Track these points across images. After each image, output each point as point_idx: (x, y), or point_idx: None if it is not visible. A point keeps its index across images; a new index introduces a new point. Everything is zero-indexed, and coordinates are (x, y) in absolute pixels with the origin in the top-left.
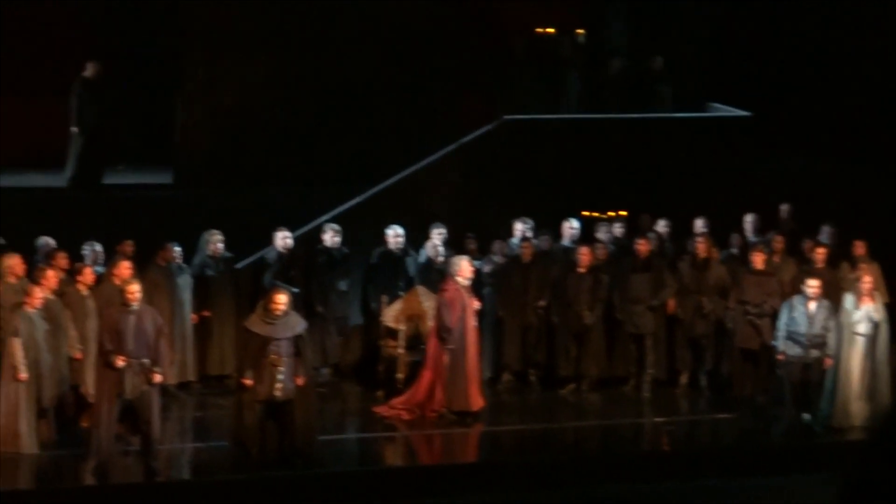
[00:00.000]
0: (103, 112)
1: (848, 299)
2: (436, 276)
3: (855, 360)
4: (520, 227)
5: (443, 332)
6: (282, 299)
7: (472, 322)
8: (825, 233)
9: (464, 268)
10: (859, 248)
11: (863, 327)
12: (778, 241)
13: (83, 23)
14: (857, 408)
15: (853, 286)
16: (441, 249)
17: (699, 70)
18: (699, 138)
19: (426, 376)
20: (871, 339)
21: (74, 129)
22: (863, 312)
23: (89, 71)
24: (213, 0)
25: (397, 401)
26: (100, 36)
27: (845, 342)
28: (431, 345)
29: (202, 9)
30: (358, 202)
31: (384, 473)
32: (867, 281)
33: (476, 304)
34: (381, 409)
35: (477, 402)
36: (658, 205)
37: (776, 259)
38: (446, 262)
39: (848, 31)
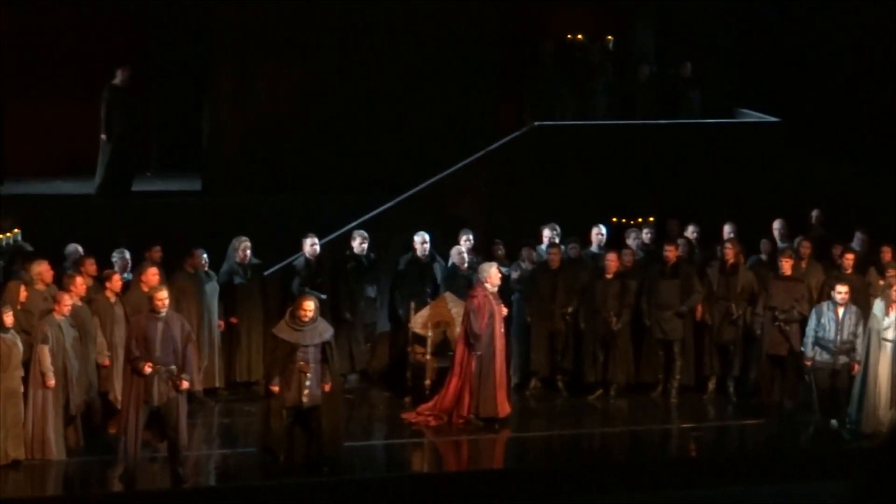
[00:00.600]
0: (132, 119)
1: (878, 305)
2: (461, 282)
3: (883, 366)
4: (548, 234)
5: (471, 338)
6: (310, 306)
7: (499, 328)
8: (858, 239)
9: (493, 275)
10: (887, 253)
11: (892, 333)
12: (805, 247)
13: (112, 30)
14: (885, 414)
15: (884, 292)
16: (466, 256)
17: (728, 76)
18: (728, 144)
19: (453, 383)
20: None
21: (103, 137)
22: (892, 318)
23: (118, 78)
24: (242, 7)
25: (424, 407)
26: (129, 43)
27: (874, 348)
28: (459, 351)
29: (231, 15)
30: (387, 209)
31: (411, 480)
32: None
33: (504, 311)
34: (409, 416)
35: (504, 408)
36: (687, 211)
37: (803, 265)
38: (475, 269)
39: (877, 38)
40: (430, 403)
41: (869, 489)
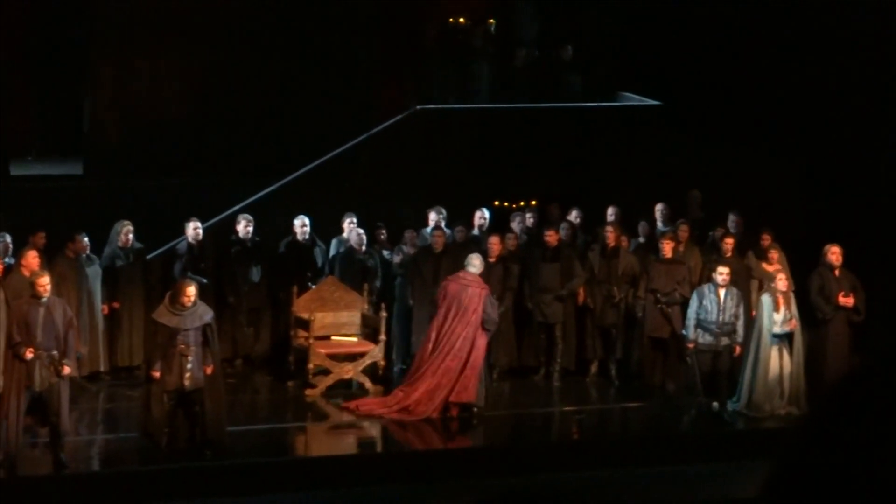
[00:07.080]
0: (11, 103)
1: (765, 300)
2: (357, 266)
3: (774, 361)
4: (434, 217)
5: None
6: (191, 291)
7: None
8: (731, 221)
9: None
10: (766, 239)
11: (779, 328)
12: (683, 230)
13: None
14: (768, 399)
15: (770, 288)
16: (364, 238)
17: (609, 59)
18: (609, 127)
19: (426, 383)
20: (787, 337)
21: None
22: (782, 314)
23: None
24: None
25: (391, 400)
26: (6, 26)
27: (764, 344)
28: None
29: None
30: (269, 192)
31: (294, 464)
32: (783, 279)
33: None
34: (356, 405)
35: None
36: (570, 194)
37: (681, 248)
38: (371, 254)
39: (755, 20)
40: (398, 397)
41: (787, 471)
